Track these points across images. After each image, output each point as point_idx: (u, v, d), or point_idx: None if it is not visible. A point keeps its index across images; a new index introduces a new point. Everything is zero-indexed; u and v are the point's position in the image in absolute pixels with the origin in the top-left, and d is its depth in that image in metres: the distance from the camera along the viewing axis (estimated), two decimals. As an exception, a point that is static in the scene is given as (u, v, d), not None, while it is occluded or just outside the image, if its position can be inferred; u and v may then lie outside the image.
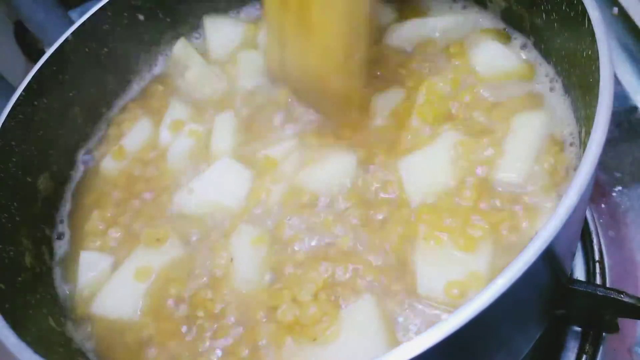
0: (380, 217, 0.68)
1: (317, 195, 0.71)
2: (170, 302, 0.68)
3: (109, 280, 0.72)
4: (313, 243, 0.68)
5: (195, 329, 0.65)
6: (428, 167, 0.69)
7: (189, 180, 0.79)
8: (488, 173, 0.67)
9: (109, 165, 0.87)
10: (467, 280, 0.59)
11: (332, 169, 0.73)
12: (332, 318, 0.60)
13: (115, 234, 0.77)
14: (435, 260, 0.62)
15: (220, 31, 1.00)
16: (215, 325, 0.65)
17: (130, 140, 0.88)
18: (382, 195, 0.70)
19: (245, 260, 0.68)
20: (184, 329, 0.66)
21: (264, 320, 0.63)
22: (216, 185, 0.77)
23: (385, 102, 0.79)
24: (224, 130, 0.83)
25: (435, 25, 0.85)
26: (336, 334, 0.59)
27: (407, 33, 0.86)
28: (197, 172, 0.80)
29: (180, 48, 0.98)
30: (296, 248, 0.68)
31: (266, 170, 0.76)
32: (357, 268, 0.64)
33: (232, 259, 0.69)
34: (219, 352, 0.63)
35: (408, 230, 0.65)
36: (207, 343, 0.64)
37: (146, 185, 0.82)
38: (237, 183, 0.76)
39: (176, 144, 0.85)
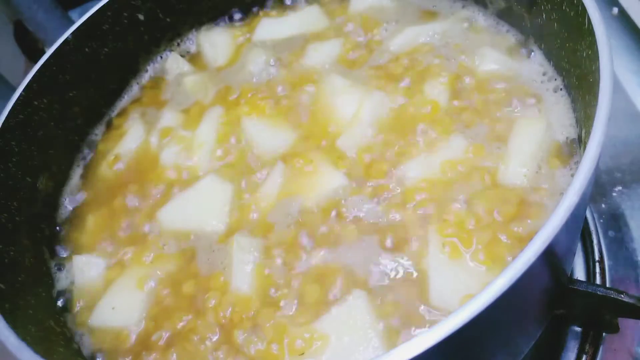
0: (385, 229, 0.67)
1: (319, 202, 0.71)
2: (168, 306, 0.68)
3: (110, 286, 0.72)
4: (311, 246, 0.68)
5: (194, 335, 0.65)
6: (434, 174, 0.69)
7: (179, 190, 0.78)
8: (493, 178, 0.67)
9: (106, 169, 0.87)
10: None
11: (323, 181, 0.73)
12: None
13: (111, 238, 0.77)
14: (449, 271, 0.61)
15: (215, 37, 1.00)
16: (215, 333, 0.64)
17: (125, 145, 0.88)
18: (387, 203, 0.69)
19: (241, 269, 0.68)
20: (183, 335, 0.65)
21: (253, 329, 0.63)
22: (201, 201, 0.76)
23: (386, 107, 0.78)
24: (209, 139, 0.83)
25: (434, 29, 0.85)
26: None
27: (407, 37, 0.86)
28: (187, 180, 0.80)
29: (172, 61, 0.98)
30: (294, 259, 0.67)
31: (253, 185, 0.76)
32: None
33: (230, 268, 0.68)
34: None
35: (419, 237, 0.65)
36: (205, 349, 0.64)
37: (142, 190, 0.81)
38: (221, 198, 0.75)
39: (166, 151, 0.84)
